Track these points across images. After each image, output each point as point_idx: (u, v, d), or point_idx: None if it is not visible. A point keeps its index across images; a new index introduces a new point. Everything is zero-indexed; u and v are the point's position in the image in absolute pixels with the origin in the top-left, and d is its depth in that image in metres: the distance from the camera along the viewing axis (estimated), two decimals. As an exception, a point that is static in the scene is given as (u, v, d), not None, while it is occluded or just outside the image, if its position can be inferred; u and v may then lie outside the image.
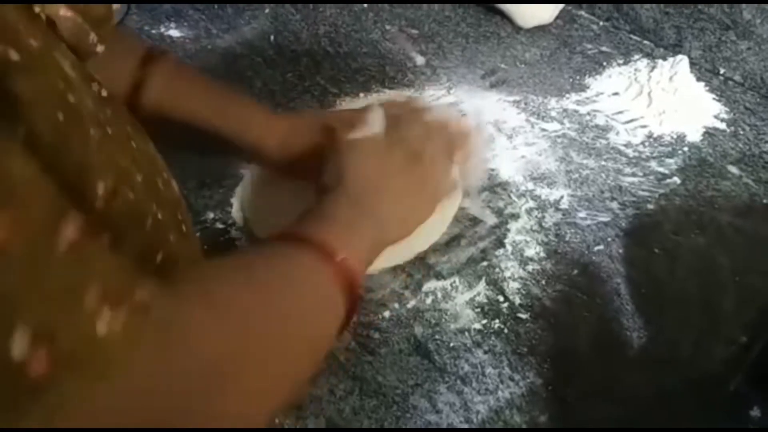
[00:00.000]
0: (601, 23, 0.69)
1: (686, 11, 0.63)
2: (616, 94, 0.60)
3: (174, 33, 0.67)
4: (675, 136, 0.56)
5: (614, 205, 0.51)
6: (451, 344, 0.42)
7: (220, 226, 0.49)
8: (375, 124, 0.42)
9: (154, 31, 0.67)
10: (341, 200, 0.37)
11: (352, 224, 0.36)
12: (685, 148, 0.55)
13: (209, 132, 0.42)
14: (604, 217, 0.50)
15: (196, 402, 0.22)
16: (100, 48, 0.30)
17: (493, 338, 0.42)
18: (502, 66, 0.64)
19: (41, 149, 0.19)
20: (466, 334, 0.42)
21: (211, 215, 0.50)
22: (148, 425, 0.19)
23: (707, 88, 0.61)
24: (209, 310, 0.24)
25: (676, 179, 0.53)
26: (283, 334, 0.28)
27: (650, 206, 0.51)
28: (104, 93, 0.28)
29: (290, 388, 0.28)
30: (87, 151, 0.22)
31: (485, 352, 0.42)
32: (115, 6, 0.33)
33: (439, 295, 0.44)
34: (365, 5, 0.70)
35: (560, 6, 0.69)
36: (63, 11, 0.28)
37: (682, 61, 0.59)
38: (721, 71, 0.63)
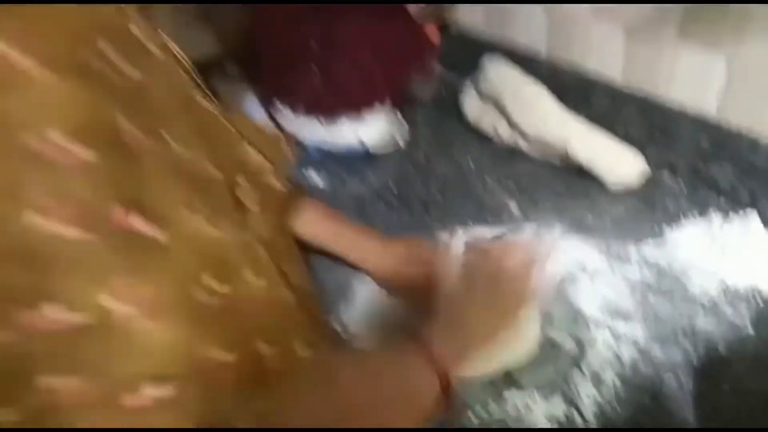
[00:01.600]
0: (682, 185, 0.78)
1: (758, 175, 0.70)
2: (691, 244, 0.67)
3: (316, 179, 0.84)
4: (749, 288, 0.62)
5: (687, 343, 0.56)
6: (529, 450, 0.48)
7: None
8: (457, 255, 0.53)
9: (300, 175, 0.84)
10: (439, 326, 0.47)
11: (445, 342, 0.45)
12: (759, 300, 0.60)
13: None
14: (677, 354, 0.55)
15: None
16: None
17: (567, 449, 0.48)
18: (589, 217, 0.73)
19: None
20: (543, 443, 0.49)
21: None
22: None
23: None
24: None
25: (750, 329, 0.57)
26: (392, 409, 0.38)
27: (721, 349, 0.56)
28: None
29: None
30: None
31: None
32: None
33: (519, 404, 0.51)
34: (471, 164, 0.84)
35: (646, 170, 0.78)
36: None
37: (753, 216, 0.66)
38: (797, 232, 0.68)
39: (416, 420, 0.40)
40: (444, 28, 1.04)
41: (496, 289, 0.50)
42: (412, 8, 0.94)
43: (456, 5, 1.03)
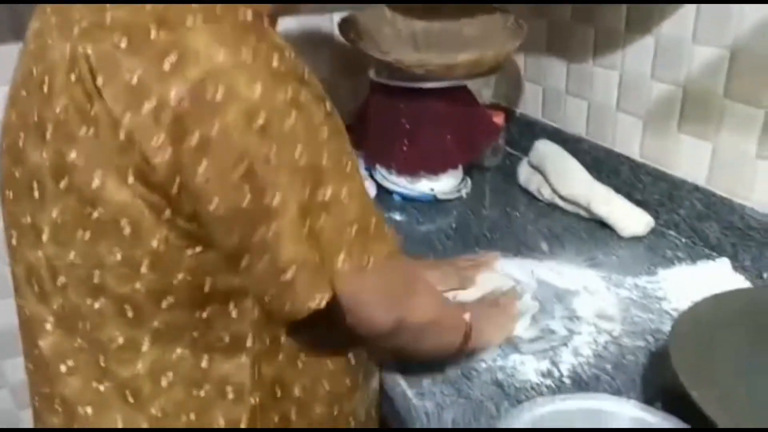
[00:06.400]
0: (683, 239, 0.98)
1: (738, 233, 0.90)
2: (675, 280, 0.88)
3: (398, 218, 1.13)
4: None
5: (650, 338, 0.77)
6: (518, 386, 0.71)
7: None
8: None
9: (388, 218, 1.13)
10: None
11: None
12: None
13: None
14: (641, 343, 0.76)
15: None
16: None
17: (544, 389, 0.70)
18: (600, 256, 0.96)
19: None
20: (528, 384, 0.71)
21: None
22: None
23: (747, 283, 0.85)
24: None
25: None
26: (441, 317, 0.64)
27: (676, 342, 0.76)
28: None
29: (434, 334, 0.63)
30: None
31: (538, 394, 0.69)
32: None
33: (516, 361, 0.74)
34: (517, 214, 1.10)
35: (652, 224, 1.00)
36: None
37: (726, 262, 0.86)
38: (765, 275, 0.87)
39: (456, 337, 0.66)
40: (509, 114, 1.33)
41: (499, 313, 0.78)
42: (483, 97, 1.24)
43: (520, 98, 1.33)
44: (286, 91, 0.46)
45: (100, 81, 0.44)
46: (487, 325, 0.74)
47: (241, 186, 0.45)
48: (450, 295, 0.85)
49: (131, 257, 0.48)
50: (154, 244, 0.48)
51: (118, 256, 0.49)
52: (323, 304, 0.50)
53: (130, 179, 0.46)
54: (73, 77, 0.45)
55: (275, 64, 0.46)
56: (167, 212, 0.47)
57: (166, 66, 0.43)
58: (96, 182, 0.46)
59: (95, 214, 0.48)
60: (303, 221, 0.47)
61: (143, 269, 0.49)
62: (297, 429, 0.60)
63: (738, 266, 0.89)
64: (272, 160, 0.45)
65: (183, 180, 0.45)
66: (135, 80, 0.44)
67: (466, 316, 0.68)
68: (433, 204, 1.16)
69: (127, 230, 0.48)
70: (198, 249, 0.49)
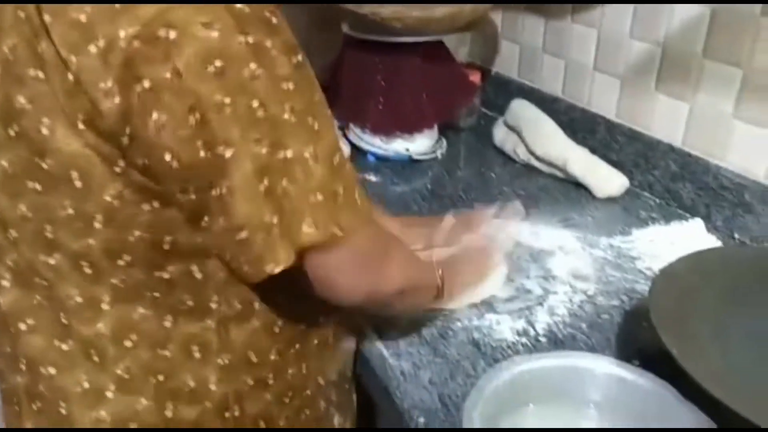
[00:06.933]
0: (656, 200, 0.99)
1: (712, 194, 0.90)
2: (649, 239, 0.88)
3: (372, 178, 1.10)
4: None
5: (624, 297, 0.77)
6: (494, 345, 0.70)
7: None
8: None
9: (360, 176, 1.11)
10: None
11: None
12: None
13: None
14: (615, 302, 0.76)
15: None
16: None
17: (520, 347, 0.70)
18: (575, 216, 0.95)
19: None
20: (504, 343, 0.71)
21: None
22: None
23: (719, 243, 0.86)
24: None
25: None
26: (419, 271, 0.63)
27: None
28: None
29: (410, 290, 0.60)
30: None
31: (514, 353, 0.69)
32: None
33: (493, 321, 0.74)
34: (493, 174, 1.08)
35: (627, 184, 1.00)
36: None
37: (699, 223, 0.86)
38: (736, 235, 0.88)
39: (427, 298, 0.65)
40: (485, 73, 1.31)
41: (473, 270, 0.77)
42: (459, 56, 1.21)
43: (496, 57, 1.30)
44: (247, 35, 0.42)
45: (47, 18, 0.41)
46: (459, 283, 0.73)
47: (194, 137, 0.42)
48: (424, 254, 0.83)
49: (83, 211, 0.46)
50: (108, 198, 0.45)
51: (70, 210, 0.46)
52: (277, 270, 0.47)
53: (80, 126, 0.43)
54: (21, 14, 0.42)
55: (239, 5, 0.42)
56: (120, 164, 0.44)
57: (117, 4, 0.40)
58: (45, 130, 0.43)
59: (45, 165, 0.45)
60: (259, 179, 0.44)
61: (97, 224, 0.46)
62: (275, 401, 0.59)
63: (711, 226, 0.90)
64: (226, 109, 0.42)
65: (133, 129, 0.42)
66: (83, 18, 0.41)
67: (439, 274, 0.66)
68: (407, 164, 1.14)
69: (78, 183, 0.45)
70: (155, 205, 0.46)
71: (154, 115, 0.41)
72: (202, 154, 0.43)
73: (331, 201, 0.48)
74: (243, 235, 0.46)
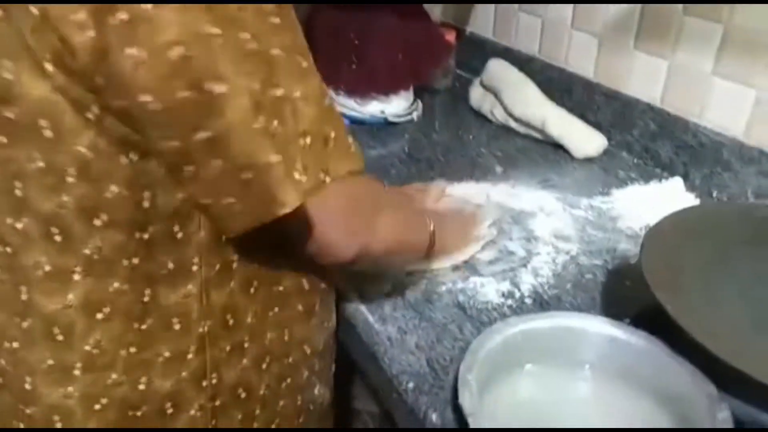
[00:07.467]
0: (634, 159, 0.98)
1: (690, 152, 0.90)
2: (629, 199, 0.88)
3: (347, 142, 1.07)
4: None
5: (607, 257, 0.77)
6: (479, 307, 0.69)
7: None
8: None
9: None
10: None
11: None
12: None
13: None
14: (598, 262, 0.76)
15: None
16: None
17: (506, 309, 0.69)
18: (554, 177, 0.94)
19: None
20: (489, 305, 0.70)
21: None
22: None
23: (698, 201, 0.87)
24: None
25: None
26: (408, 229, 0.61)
27: (631, 261, 0.76)
28: None
29: (398, 247, 0.58)
30: None
31: (501, 315, 0.68)
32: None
33: (477, 283, 0.73)
34: (470, 136, 1.06)
35: (605, 144, 0.99)
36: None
37: (679, 182, 0.86)
38: (714, 194, 0.88)
39: (419, 253, 0.64)
40: (460, 33, 1.27)
41: (463, 224, 0.77)
42: (434, 15, 1.18)
43: (471, 16, 1.27)
44: None
45: None
46: (449, 235, 0.72)
47: (177, 72, 0.38)
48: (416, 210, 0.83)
49: (55, 164, 0.42)
50: (81, 149, 0.41)
51: (40, 163, 0.42)
52: (286, 210, 0.43)
53: (48, 67, 0.39)
54: None
55: None
56: (94, 110, 0.40)
57: None
58: (8, 74, 0.39)
59: (10, 114, 0.41)
60: (257, 116, 0.41)
61: (69, 179, 0.42)
62: (252, 365, 0.57)
63: (689, 185, 0.90)
64: (215, 41, 0.38)
65: (109, 66, 0.38)
66: None
67: (430, 227, 0.65)
68: (383, 127, 1.11)
69: (47, 132, 0.41)
70: (133, 157, 0.43)
71: (132, 48, 0.37)
72: (186, 93, 0.39)
73: (321, 145, 0.45)
74: (248, 175, 0.42)
